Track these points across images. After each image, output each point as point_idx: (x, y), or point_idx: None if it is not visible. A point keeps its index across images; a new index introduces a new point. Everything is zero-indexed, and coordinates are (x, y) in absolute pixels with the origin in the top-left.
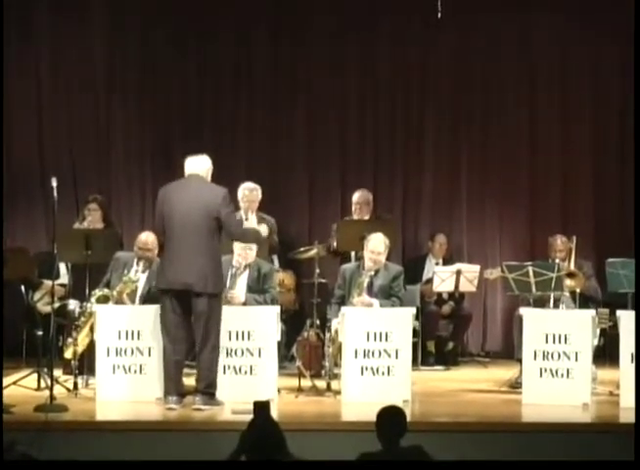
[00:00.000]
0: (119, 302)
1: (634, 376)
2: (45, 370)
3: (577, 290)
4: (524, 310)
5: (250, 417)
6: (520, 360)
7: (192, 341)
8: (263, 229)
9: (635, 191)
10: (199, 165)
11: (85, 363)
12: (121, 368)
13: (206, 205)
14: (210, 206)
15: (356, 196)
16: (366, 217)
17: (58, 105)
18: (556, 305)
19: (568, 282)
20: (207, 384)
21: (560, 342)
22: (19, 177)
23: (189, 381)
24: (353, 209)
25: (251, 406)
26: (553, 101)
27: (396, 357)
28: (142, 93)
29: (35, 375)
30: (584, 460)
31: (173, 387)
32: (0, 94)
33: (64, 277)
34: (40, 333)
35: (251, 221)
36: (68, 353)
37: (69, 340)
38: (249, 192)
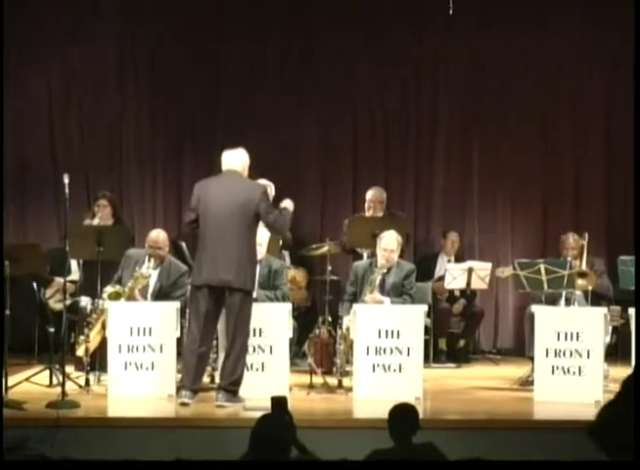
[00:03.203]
0: (131, 298)
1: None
2: (57, 367)
3: (589, 288)
4: (535, 308)
5: (260, 413)
6: (531, 358)
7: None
8: (288, 204)
9: (635, 189)
10: (235, 161)
11: (97, 360)
12: (133, 365)
13: (245, 202)
14: (249, 202)
15: (370, 194)
16: (379, 215)
17: (70, 103)
18: (568, 303)
19: (579, 282)
20: (232, 381)
21: (572, 339)
22: (31, 174)
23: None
24: (367, 206)
25: (263, 403)
26: (566, 101)
27: (408, 355)
28: (154, 91)
29: (47, 372)
30: (587, 460)
31: (191, 380)
32: (0, 91)
33: (75, 274)
34: (52, 330)
35: None
36: (79, 350)
37: (81, 337)
38: None
